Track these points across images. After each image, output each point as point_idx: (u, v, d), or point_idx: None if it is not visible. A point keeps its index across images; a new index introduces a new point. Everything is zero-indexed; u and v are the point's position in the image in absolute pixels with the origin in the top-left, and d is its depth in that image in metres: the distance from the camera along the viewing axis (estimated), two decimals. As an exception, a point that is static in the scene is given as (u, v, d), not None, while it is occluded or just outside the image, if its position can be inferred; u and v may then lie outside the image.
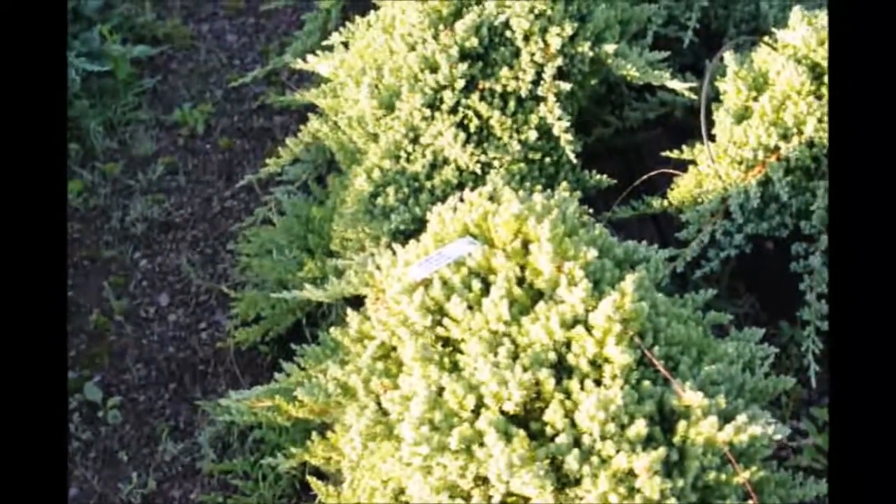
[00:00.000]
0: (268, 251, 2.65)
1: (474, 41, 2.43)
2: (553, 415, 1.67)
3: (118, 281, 2.77)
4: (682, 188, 2.46)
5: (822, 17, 2.39)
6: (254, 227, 2.79)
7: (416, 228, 2.38)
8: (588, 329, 1.72)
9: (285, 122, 3.27)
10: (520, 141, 2.44)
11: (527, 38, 2.44)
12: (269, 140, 3.20)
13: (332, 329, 2.06)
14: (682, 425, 1.66)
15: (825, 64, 2.32)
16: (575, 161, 2.43)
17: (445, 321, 1.83)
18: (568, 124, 2.40)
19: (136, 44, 3.55)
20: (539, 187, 2.43)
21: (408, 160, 2.46)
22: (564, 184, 2.45)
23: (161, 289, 2.75)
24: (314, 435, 2.03)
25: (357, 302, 2.29)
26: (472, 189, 2.24)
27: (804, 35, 2.36)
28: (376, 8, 2.88)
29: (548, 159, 2.47)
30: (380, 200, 2.44)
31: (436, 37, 2.46)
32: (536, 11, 2.45)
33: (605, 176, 2.49)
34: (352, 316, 2.03)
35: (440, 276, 1.87)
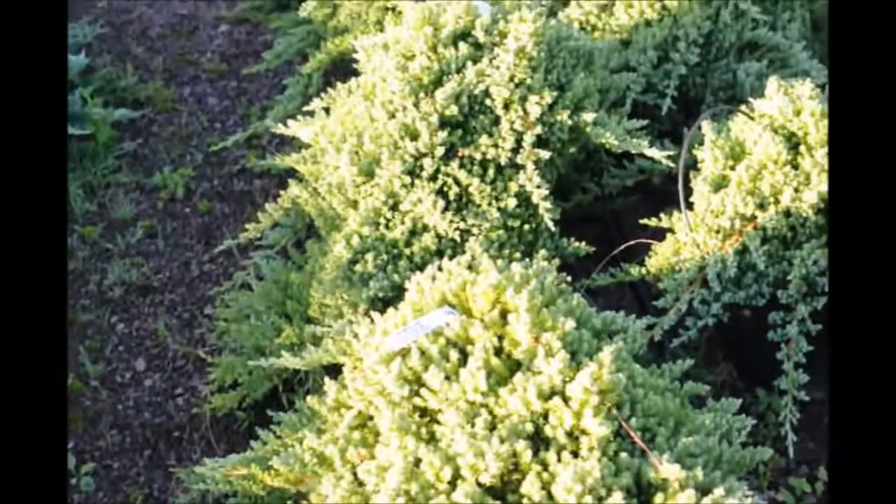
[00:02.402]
0: (246, 316, 2.64)
1: (454, 109, 2.45)
2: (530, 487, 1.65)
3: (94, 345, 2.74)
4: (660, 256, 2.47)
5: (799, 87, 2.42)
6: (232, 292, 2.78)
7: (394, 295, 2.37)
8: (565, 400, 1.72)
9: (265, 186, 3.27)
10: (499, 208, 2.45)
11: (507, 107, 2.46)
12: (248, 204, 3.20)
13: (308, 398, 2.04)
14: (659, 498, 1.65)
15: (801, 133, 2.35)
16: (554, 228, 2.44)
17: (423, 391, 1.82)
18: (547, 192, 2.41)
19: (118, 107, 3.56)
20: (518, 255, 2.44)
21: (387, 227, 2.47)
22: (543, 251, 2.45)
23: (138, 353, 2.73)
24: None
25: (335, 370, 2.28)
26: (452, 256, 2.25)
27: (780, 105, 2.39)
28: (357, 74, 2.91)
29: (527, 226, 2.48)
30: (358, 267, 2.44)
31: (416, 104, 2.48)
32: (516, 80, 2.48)
33: (583, 243, 2.51)
34: (329, 385, 2.01)
35: (418, 345, 1.87)
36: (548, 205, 2.41)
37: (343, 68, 3.34)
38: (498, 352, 1.84)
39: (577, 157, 2.69)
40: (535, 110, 2.45)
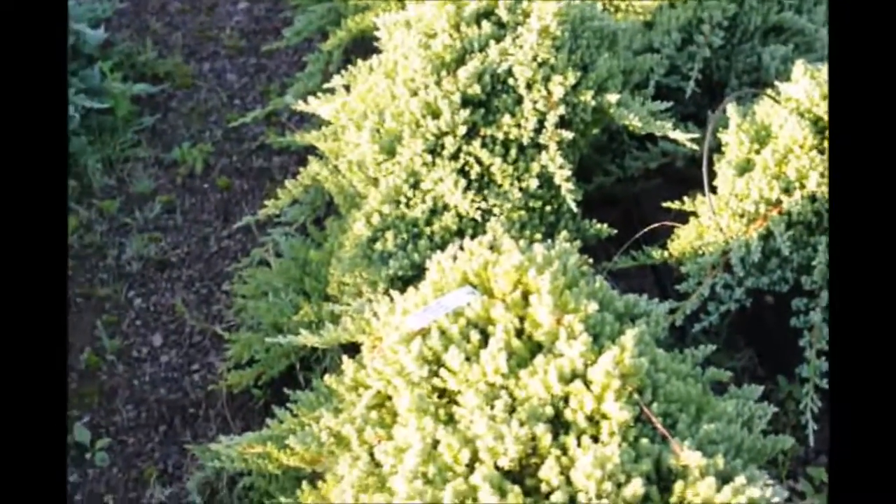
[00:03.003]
0: (264, 293, 2.63)
1: (477, 88, 2.42)
2: (549, 472, 1.64)
3: (111, 320, 2.74)
4: (683, 240, 2.44)
5: (825, 71, 2.39)
6: (250, 269, 2.76)
7: (414, 275, 2.35)
8: (586, 384, 1.70)
9: (284, 163, 3.26)
10: (520, 189, 2.42)
11: (529, 87, 2.43)
12: (267, 180, 3.19)
13: (326, 376, 2.03)
14: (679, 485, 1.63)
15: (828, 118, 2.31)
16: (576, 210, 2.42)
17: (442, 372, 1.81)
18: (569, 173, 2.38)
19: (137, 81, 3.54)
20: (539, 235, 2.41)
21: (407, 206, 2.44)
22: (565, 233, 2.43)
23: (155, 329, 2.72)
24: (304, 484, 1.99)
25: (353, 348, 2.26)
26: (472, 236, 2.23)
27: (807, 89, 2.35)
28: (378, 51, 2.88)
29: (548, 207, 2.46)
30: (378, 245, 2.42)
31: (438, 83, 2.45)
32: (539, 60, 2.45)
33: (605, 225, 2.48)
34: (347, 364, 2.00)
35: (438, 326, 1.85)
36: (570, 186, 2.38)
37: (364, 46, 3.31)
38: (519, 333, 1.82)
39: (600, 138, 2.66)
40: (558, 90, 2.43)
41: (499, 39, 2.51)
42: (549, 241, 2.27)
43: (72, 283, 2.83)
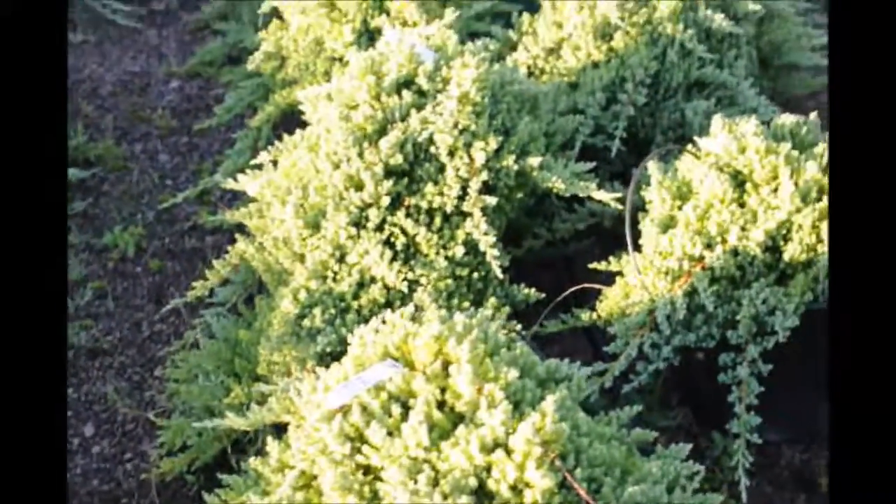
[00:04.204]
0: (195, 376, 2.58)
1: (399, 158, 2.43)
2: (474, 545, 1.61)
3: (41, 412, 2.68)
4: (611, 300, 2.44)
5: (743, 125, 2.41)
6: (182, 352, 2.72)
7: (342, 350, 2.31)
8: (508, 453, 1.68)
9: (217, 242, 3.23)
10: (446, 257, 2.42)
11: (451, 154, 2.44)
12: (200, 261, 3.16)
13: (251, 459, 1.99)
14: (606, 551, 1.60)
15: (747, 171, 2.34)
16: (502, 276, 2.41)
17: (365, 448, 1.78)
18: (494, 239, 2.38)
19: (68, 167, 3.51)
20: (467, 303, 2.40)
21: (334, 280, 2.43)
22: (493, 299, 2.43)
23: (86, 419, 2.66)
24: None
25: (284, 429, 2.23)
26: (400, 308, 2.21)
27: (725, 143, 2.38)
28: (306, 126, 2.89)
29: (476, 274, 2.45)
30: (306, 322, 2.40)
31: (360, 154, 2.45)
32: (460, 126, 2.46)
33: (533, 290, 2.47)
34: (272, 445, 1.97)
35: (359, 401, 1.82)
36: (495, 252, 2.38)
37: (293, 121, 3.31)
38: (441, 405, 1.80)
39: (528, 201, 2.66)
40: (480, 156, 2.44)
41: (420, 108, 2.52)
42: (479, 308, 2.27)
43: (0, 376, 2.77)
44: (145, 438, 2.59)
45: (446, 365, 1.84)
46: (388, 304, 2.40)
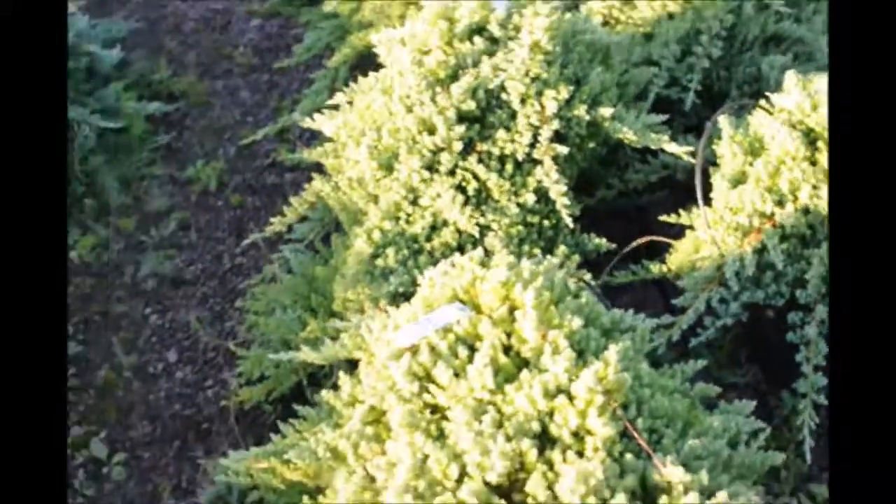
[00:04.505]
0: (273, 310, 2.69)
1: (471, 104, 2.47)
2: (535, 487, 1.68)
3: (128, 337, 2.82)
4: (681, 253, 2.47)
5: (817, 82, 2.41)
6: (261, 285, 2.83)
7: (413, 290, 2.40)
8: (570, 399, 1.74)
9: (296, 179, 3.32)
10: (518, 204, 2.47)
11: (523, 102, 2.48)
12: (279, 197, 3.25)
13: (324, 392, 2.09)
14: (663, 500, 1.66)
15: (819, 129, 2.34)
16: (572, 225, 2.45)
17: (432, 388, 1.86)
18: (565, 188, 2.42)
19: (152, 100, 3.62)
20: (538, 250, 2.46)
21: (407, 221, 2.50)
22: (563, 247, 2.47)
23: (170, 345, 2.80)
24: (305, 499, 2.05)
25: (356, 365, 2.33)
26: (472, 252, 2.28)
27: (798, 100, 2.37)
28: (381, 68, 2.94)
29: (546, 222, 2.50)
30: (380, 262, 2.48)
31: (433, 99, 2.50)
32: (532, 75, 2.49)
33: (604, 240, 2.51)
34: (344, 379, 2.06)
35: (428, 342, 1.90)
36: (566, 201, 2.42)
37: (369, 62, 3.37)
38: (506, 349, 1.87)
39: (600, 151, 2.69)
40: (551, 105, 2.47)
41: (491, 55, 2.56)
42: (549, 255, 2.32)
43: (89, 302, 2.92)
44: (225, 367, 2.71)
45: (512, 310, 1.90)
46: (460, 248, 2.46)
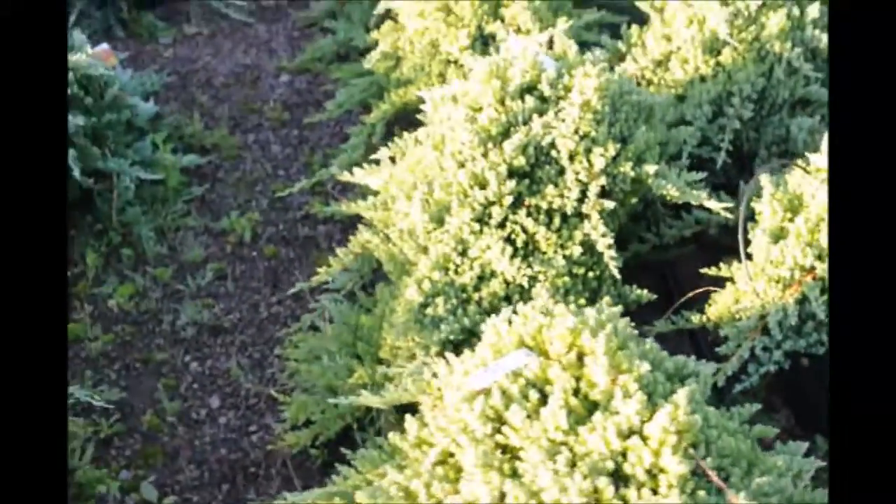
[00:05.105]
0: (315, 357, 2.75)
1: (521, 160, 2.56)
2: (611, 523, 1.74)
3: (170, 383, 2.86)
4: (720, 304, 2.56)
5: (852, 144, 2.52)
6: (300, 334, 2.89)
7: (463, 339, 2.47)
8: (643, 439, 1.81)
9: (329, 231, 3.39)
10: (564, 256, 2.55)
11: (571, 158, 2.57)
12: (313, 248, 3.32)
13: (390, 434, 2.14)
14: (736, 535, 1.73)
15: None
16: (618, 276, 2.54)
17: (504, 429, 1.92)
18: (611, 241, 2.51)
19: (185, 153, 3.70)
20: (583, 301, 2.53)
21: (456, 272, 2.57)
22: (607, 298, 2.54)
23: (212, 391, 2.84)
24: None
25: (404, 409, 2.38)
26: (519, 302, 2.35)
27: (835, 160, 2.48)
28: (419, 124, 3.04)
29: (591, 274, 2.58)
30: (429, 311, 2.54)
31: (485, 155, 2.59)
32: (581, 132, 2.59)
33: (645, 291, 2.60)
34: (410, 422, 2.11)
35: (499, 385, 1.96)
36: (613, 253, 2.51)
37: (404, 118, 3.48)
38: (575, 392, 1.94)
39: (636, 207, 2.79)
40: (599, 162, 2.56)
41: (542, 113, 2.66)
42: (593, 306, 2.40)
43: (131, 349, 2.96)
44: (268, 413, 2.76)
45: (580, 356, 1.97)
46: (507, 298, 2.54)
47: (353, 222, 3.28)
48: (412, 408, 2.32)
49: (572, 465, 1.83)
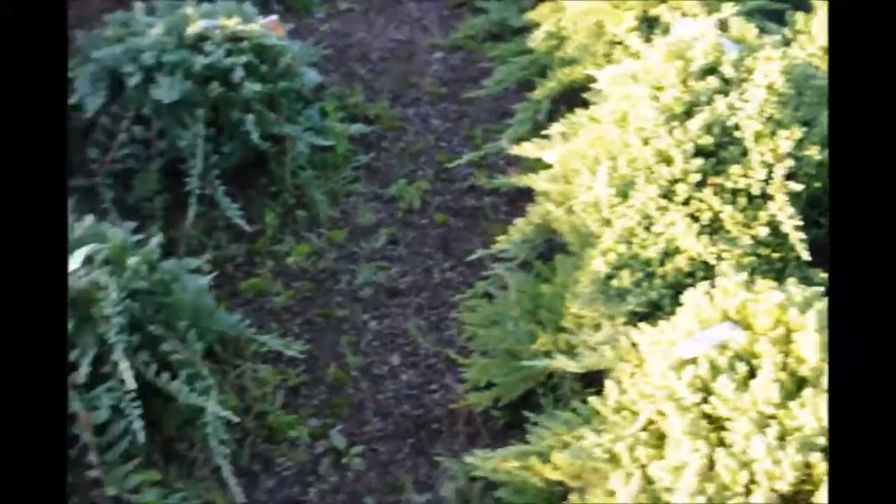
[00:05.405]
0: (493, 322, 2.85)
1: (707, 139, 2.63)
2: (823, 499, 1.81)
3: (351, 339, 2.99)
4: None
5: None
6: (474, 300, 3.00)
7: (649, 311, 2.55)
8: (858, 417, 1.87)
9: (495, 203, 3.50)
10: (751, 236, 2.60)
11: (756, 139, 2.63)
12: (481, 218, 3.43)
13: (591, 399, 2.24)
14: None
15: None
16: (807, 258, 2.58)
17: (711, 399, 2.00)
18: (800, 222, 2.56)
19: (349, 122, 3.83)
20: (769, 280, 2.59)
21: (641, 246, 2.65)
22: (792, 279, 2.59)
23: (392, 349, 2.97)
24: (572, 497, 2.18)
25: (587, 377, 2.48)
26: (703, 278, 2.43)
27: None
28: (584, 102, 3.13)
29: (776, 255, 2.63)
30: (614, 282, 2.63)
31: (670, 132, 2.66)
32: (766, 115, 2.64)
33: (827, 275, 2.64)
34: (610, 387, 2.21)
35: (706, 356, 2.05)
36: (801, 235, 2.55)
37: (569, 96, 3.56)
38: (782, 367, 2.01)
39: (819, 192, 2.82)
40: (785, 144, 2.61)
41: (724, 94, 2.72)
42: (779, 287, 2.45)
43: (312, 305, 3.11)
44: (447, 373, 2.87)
45: (788, 331, 2.04)
46: (691, 274, 2.61)
47: (518, 194, 3.38)
48: (597, 376, 2.43)
49: (781, 437, 1.90)
